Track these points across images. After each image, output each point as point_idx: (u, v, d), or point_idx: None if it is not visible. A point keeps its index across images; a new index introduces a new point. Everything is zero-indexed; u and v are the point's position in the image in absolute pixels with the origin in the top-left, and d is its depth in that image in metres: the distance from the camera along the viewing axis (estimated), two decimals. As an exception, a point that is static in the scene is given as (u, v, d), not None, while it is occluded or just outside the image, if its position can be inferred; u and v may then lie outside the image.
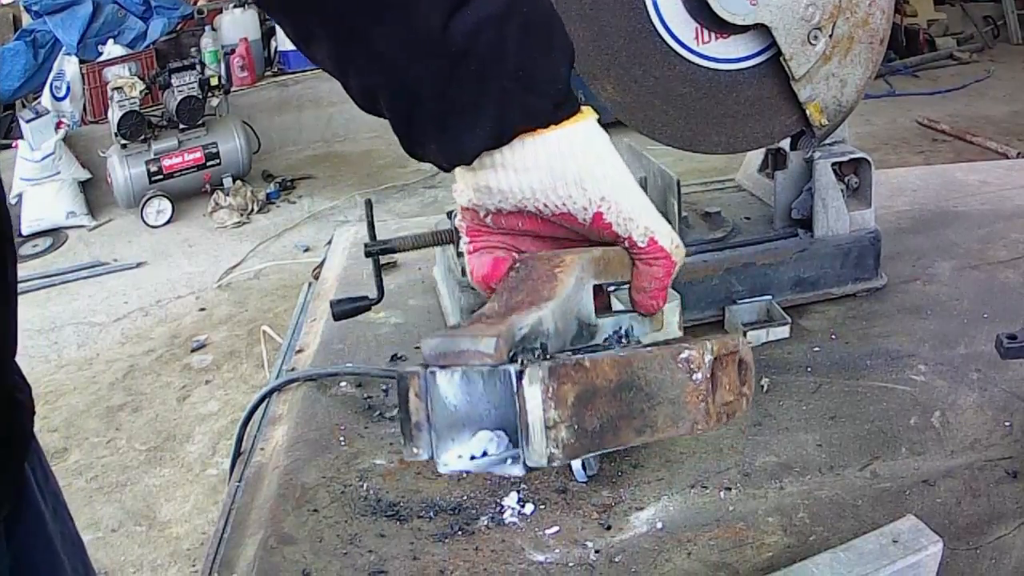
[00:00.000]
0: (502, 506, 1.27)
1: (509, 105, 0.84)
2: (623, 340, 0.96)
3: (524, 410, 0.75)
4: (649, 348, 0.86)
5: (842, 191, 1.69)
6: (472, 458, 0.78)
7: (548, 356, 0.80)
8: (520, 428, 0.75)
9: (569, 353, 0.84)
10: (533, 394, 0.74)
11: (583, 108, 0.91)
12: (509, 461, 0.77)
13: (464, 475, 1.34)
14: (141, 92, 6.35)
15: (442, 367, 0.78)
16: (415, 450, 0.81)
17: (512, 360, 0.76)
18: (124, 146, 6.25)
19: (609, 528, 1.22)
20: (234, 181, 6.57)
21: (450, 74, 0.82)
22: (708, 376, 0.84)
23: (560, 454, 0.75)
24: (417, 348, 1.68)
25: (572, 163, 0.88)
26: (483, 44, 0.81)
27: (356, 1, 0.80)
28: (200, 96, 6.41)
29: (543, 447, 0.75)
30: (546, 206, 0.89)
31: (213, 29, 7.52)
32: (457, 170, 0.91)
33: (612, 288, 0.96)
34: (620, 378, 0.80)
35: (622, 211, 0.90)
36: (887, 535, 1.07)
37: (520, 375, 0.75)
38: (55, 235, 6.42)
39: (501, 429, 0.78)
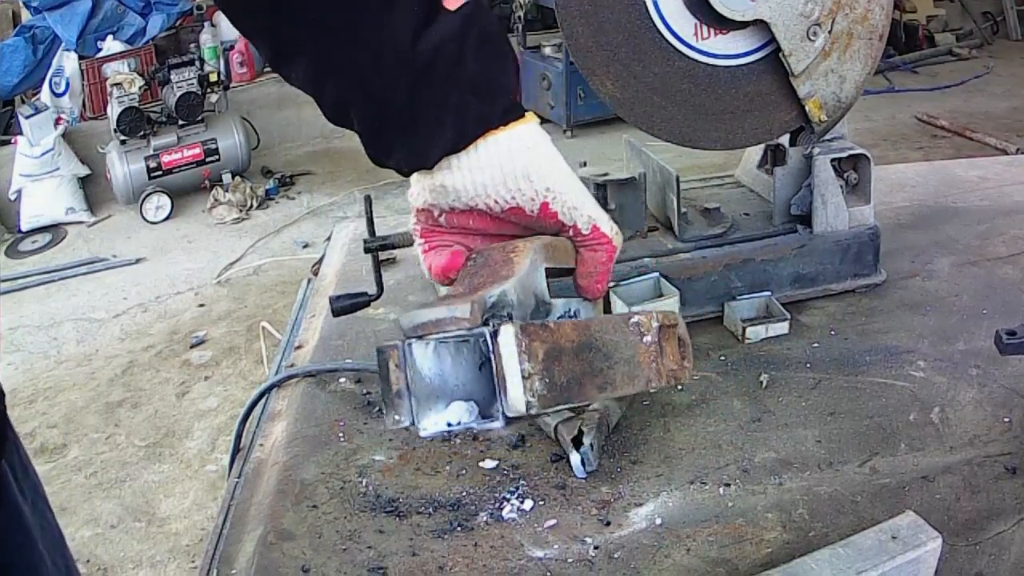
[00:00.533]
0: (501, 502, 1.27)
1: (467, 113, 0.93)
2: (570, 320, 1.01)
3: (500, 365, 0.82)
4: (603, 316, 0.96)
5: (841, 187, 1.69)
6: (449, 424, 0.86)
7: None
8: (497, 382, 0.83)
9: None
10: (509, 349, 0.82)
11: (526, 113, 0.99)
12: (483, 420, 0.85)
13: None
14: (140, 88, 6.34)
15: (419, 338, 0.86)
16: (396, 417, 0.86)
17: (485, 324, 0.85)
18: (123, 142, 6.24)
19: (608, 524, 1.22)
20: (233, 177, 6.57)
21: (417, 85, 0.91)
22: (656, 340, 0.94)
23: (536, 403, 0.83)
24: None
25: (519, 158, 0.96)
26: (445, 58, 0.90)
27: (334, 22, 0.89)
28: (199, 92, 6.40)
29: (521, 395, 0.82)
30: (496, 202, 0.97)
31: (212, 25, 7.50)
32: (414, 174, 1.00)
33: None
34: (580, 339, 0.89)
35: (567, 200, 0.98)
36: (886, 531, 1.07)
37: (495, 334, 0.83)
38: (54, 231, 6.41)
39: (472, 401, 0.86)
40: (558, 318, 1.01)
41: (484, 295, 0.88)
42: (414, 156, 0.96)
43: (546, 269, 0.99)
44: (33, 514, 1.03)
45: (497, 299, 0.89)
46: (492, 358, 0.83)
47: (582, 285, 1.05)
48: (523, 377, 0.82)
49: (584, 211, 1.00)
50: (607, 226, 1.01)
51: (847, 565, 1.02)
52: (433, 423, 0.86)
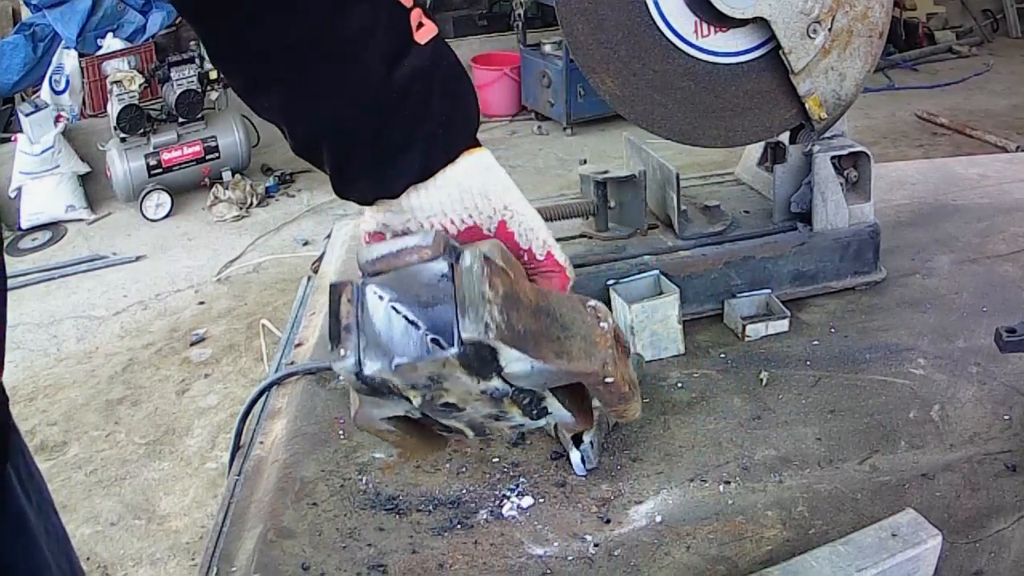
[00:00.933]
0: (501, 500, 1.28)
1: (434, 146, 0.94)
2: None
3: (460, 287, 0.79)
4: (560, 293, 0.92)
5: (841, 185, 1.69)
6: (396, 366, 0.80)
7: None
8: (456, 305, 0.78)
9: None
10: (470, 270, 0.79)
11: (481, 145, 1.00)
12: (436, 349, 0.78)
13: (463, 470, 1.34)
14: (140, 86, 6.32)
15: (377, 274, 0.83)
16: (342, 352, 0.81)
17: (448, 251, 0.81)
18: (123, 140, 6.23)
19: (608, 522, 1.22)
20: (233, 175, 6.56)
21: (387, 119, 0.91)
22: (613, 333, 0.90)
23: (495, 330, 0.78)
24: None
25: (477, 177, 0.97)
26: (415, 93, 0.91)
27: (310, 54, 0.89)
28: (199, 90, 6.39)
29: (479, 316, 0.77)
30: (452, 221, 0.96)
31: (212, 23, 7.50)
32: None
33: None
34: (538, 302, 0.86)
35: (524, 221, 0.97)
36: (886, 529, 1.07)
37: (458, 257, 0.80)
38: (54, 229, 6.40)
39: (424, 330, 0.80)
40: None
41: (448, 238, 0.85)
42: (380, 186, 0.96)
43: None
44: (38, 518, 1.03)
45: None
46: (452, 282, 0.80)
47: None
48: (484, 299, 0.78)
49: (540, 235, 0.99)
50: (561, 256, 1.00)
51: (847, 563, 1.03)
52: (378, 365, 0.81)
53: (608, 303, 1.51)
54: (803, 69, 1.53)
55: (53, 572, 1.03)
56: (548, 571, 1.14)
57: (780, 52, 1.51)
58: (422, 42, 0.91)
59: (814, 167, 1.66)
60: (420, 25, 0.92)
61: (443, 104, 0.94)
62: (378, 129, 0.92)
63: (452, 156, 0.96)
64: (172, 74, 6.29)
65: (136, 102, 6.20)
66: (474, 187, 0.97)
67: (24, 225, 6.34)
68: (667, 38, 1.51)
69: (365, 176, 0.96)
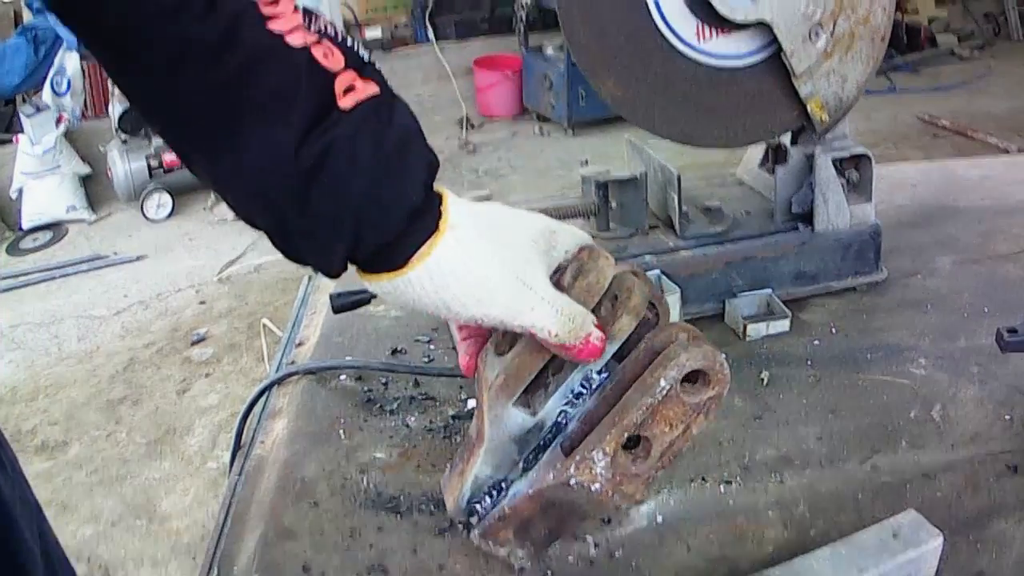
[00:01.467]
0: (502, 499, 1.27)
1: (363, 222, 0.87)
2: (576, 400, 1.03)
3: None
4: (551, 475, 0.98)
5: (843, 186, 1.69)
6: None
7: (495, 492, 1.05)
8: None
9: (519, 469, 1.03)
10: (482, 548, 1.07)
11: (443, 210, 0.93)
12: None
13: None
14: (142, 86, 6.33)
15: None
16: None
17: (470, 515, 1.07)
18: (125, 141, 6.25)
19: (609, 522, 1.22)
20: (235, 175, 6.57)
21: (307, 194, 0.84)
22: (611, 474, 0.96)
23: (527, 561, 1.07)
24: (417, 341, 1.69)
25: (433, 295, 0.93)
26: (333, 164, 0.83)
27: (219, 126, 0.82)
28: (201, 90, 6.40)
29: (515, 567, 1.07)
30: (444, 318, 0.97)
31: (213, 23, 7.50)
32: None
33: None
34: (539, 506, 1.01)
35: (494, 319, 0.94)
36: (887, 529, 1.07)
37: (468, 532, 1.08)
38: (55, 229, 6.41)
39: None
40: (558, 413, 1.03)
41: (465, 485, 1.05)
42: (321, 264, 0.91)
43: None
44: (10, 486, 1.03)
45: (473, 490, 1.05)
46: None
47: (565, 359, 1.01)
48: (505, 558, 1.06)
49: (516, 322, 0.95)
50: (543, 331, 0.95)
51: (848, 564, 1.02)
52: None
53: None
54: (805, 72, 1.53)
55: (28, 543, 1.03)
56: (549, 571, 1.14)
57: (782, 55, 1.51)
58: (348, 107, 0.84)
59: (816, 168, 1.66)
60: (350, 89, 0.84)
61: (373, 175, 0.86)
62: (301, 205, 0.85)
63: (388, 235, 0.89)
64: (174, 75, 6.29)
65: (138, 103, 6.21)
66: (437, 304, 0.93)
67: (25, 225, 6.35)
68: (668, 41, 1.51)
69: (304, 253, 0.91)
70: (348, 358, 1.64)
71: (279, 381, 1.60)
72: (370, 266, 0.92)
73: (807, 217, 1.70)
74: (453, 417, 1.46)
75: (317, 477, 1.34)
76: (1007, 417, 1.37)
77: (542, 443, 1.02)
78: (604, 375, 1.03)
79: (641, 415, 0.95)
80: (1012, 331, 1.29)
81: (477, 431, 1.03)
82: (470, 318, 0.94)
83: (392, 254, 0.91)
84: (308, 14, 0.85)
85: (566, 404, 1.03)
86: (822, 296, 1.72)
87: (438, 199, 0.93)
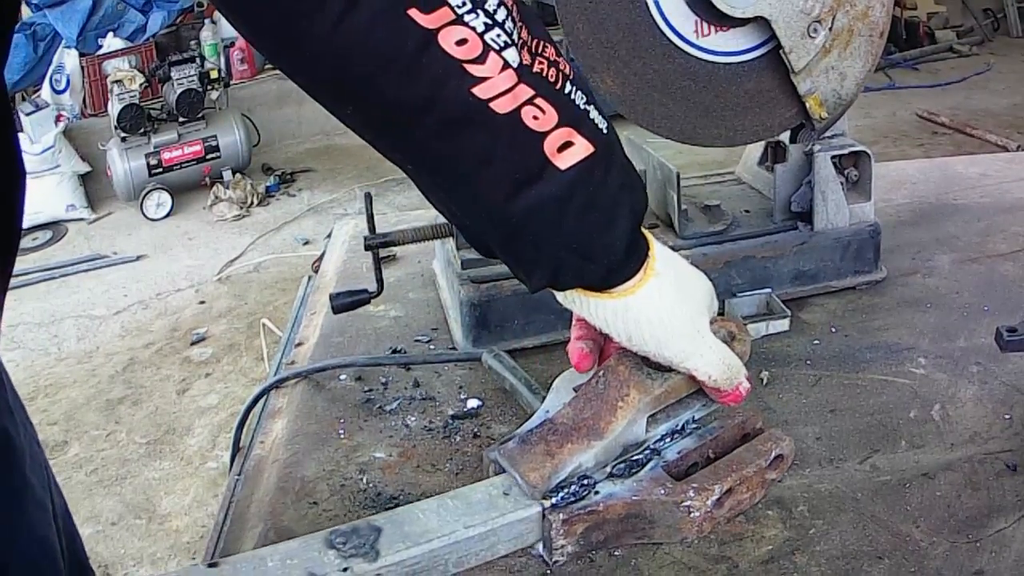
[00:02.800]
0: (502, 499, 1.27)
1: (563, 269, 0.98)
2: (675, 435, 1.17)
3: (545, 532, 1.07)
4: (661, 491, 1.09)
5: (842, 184, 1.68)
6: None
7: (583, 485, 1.08)
8: (543, 538, 1.08)
9: (606, 472, 1.10)
10: (549, 531, 1.06)
11: (648, 258, 1.04)
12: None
13: (463, 470, 1.34)
14: (141, 85, 6.33)
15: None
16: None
17: (546, 496, 1.06)
18: (124, 139, 6.24)
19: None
20: (234, 174, 6.56)
21: (511, 239, 0.95)
22: (710, 508, 1.09)
23: (563, 558, 1.08)
24: (417, 341, 1.68)
25: (621, 324, 1.04)
26: (541, 220, 0.92)
27: (435, 176, 0.92)
28: (200, 89, 6.39)
29: (551, 557, 1.08)
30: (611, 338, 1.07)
31: (213, 22, 7.49)
32: None
33: None
34: (628, 512, 1.08)
35: (669, 357, 1.07)
36: (499, 486, 1.08)
37: (543, 515, 1.05)
38: (55, 228, 6.41)
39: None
40: (659, 439, 1.15)
41: (558, 467, 1.06)
42: (522, 281, 1.02)
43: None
44: (26, 440, 1.04)
45: (569, 473, 1.07)
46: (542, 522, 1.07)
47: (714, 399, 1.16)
48: (554, 547, 1.07)
49: (683, 365, 1.07)
50: (704, 375, 1.08)
51: (455, 517, 1.02)
52: None
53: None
54: (804, 68, 1.52)
55: (37, 493, 1.04)
56: (548, 571, 1.14)
57: (780, 51, 1.51)
58: (562, 167, 0.89)
59: (815, 166, 1.65)
60: (566, 145, 0.90)
61: (577, 234, 0.94)
62: (503, 244, 0.97)
63: (588, 280, 1.00)
64: (173, 73, 6.29)
65: (137, 101, 6.21)
66: (620, 331, 1.04)
67: (24, 224, 6.32)
68: (667, 38, 1.51)
69: (513, 273, 1.02)
70: (348, 358, 1.64)
71: (277, 384, 1.60)
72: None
73: (806, 216, 1.69)
74: (452, 417, 1.46)
75: (317, 477, 1.34)
76: (1006, 416, 1.37)
77: (636, 459, 1.12)
78: (699, 426, 1.19)
79: (751, 472, 1.12)
80: (1012, 330, 1.29)
81: (592, 420, 1.10)
82: (643, 351, 1.06)
83: (595, 287, 1.02)
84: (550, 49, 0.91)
85: (667, 436, 1.16)
86: (821, 295, 1.72)
87: (645, 245, 1.03)
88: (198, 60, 6.47)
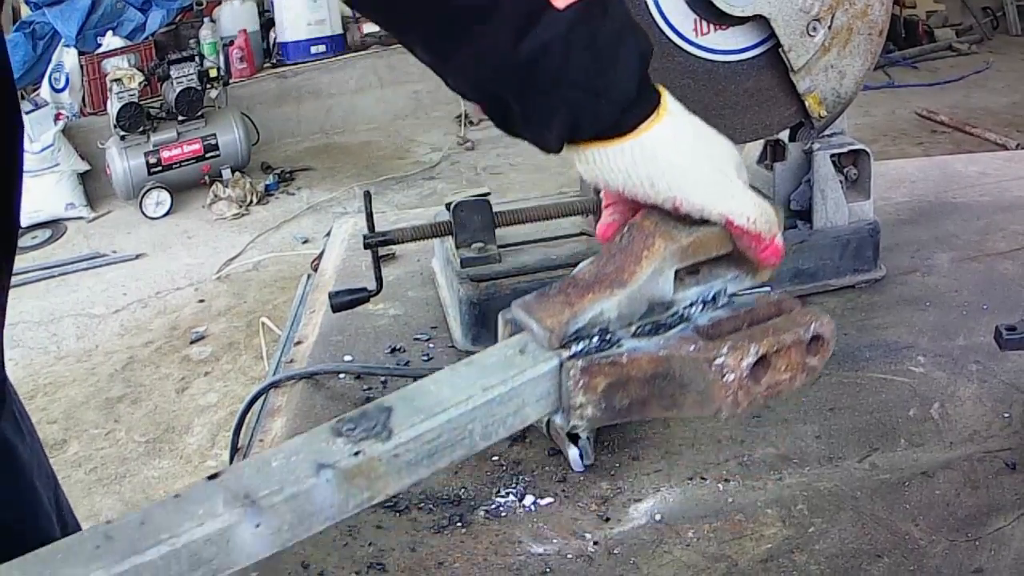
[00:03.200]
0: (500, 497, 1.27)
1: (580, 111, 0.95)
2: (706, 305, 1.05)
3: (563, 389, 0.93)
4: (692, 347, 0.97)
5: (841, 182, 1.68)
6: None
7: (603, 339, 0.96)
8: (561, 399, 0.94)
9: (630, 331, 0.98)
10: (567, 384, 0.92)
11: (661, 100, 1.01)
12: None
13: (462, 468, 1.34)
14: (140, 84, 6.33)
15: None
16: None
17: (564, 346, 0.93)
18: (123, 138, 6.24)
19: (608, 520, 1.22)
20: (233, 173, 6.56)
21: (524, 86, 0.93)
22: (742, 376, 0.97)
23: (584, 424, 0.94)
24: (416, 339, 1.68)
25: (642, 168, 0.98)
26: (549, 61, 0.91)
27: (440, 28, 0.92)
28: (199, 88, 6.39)
29: (568, 420, 0.93)
30: (632, 196, 1.01)
31: (212, 21, 7.50)
32: None
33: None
34: (656, 370, 0.96)
35: (694, 203, 0.98)
36: (513, 346, 1.00)
37: (560, 367, 0.92)
38: (54, 227, 6.41)
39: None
40: (685, 307, 1.04)
41: (577, 315, 0.95)
42: (536, 143, 0.99)
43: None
44: (30, 455, 1.04)
45: (588, 322, 0.96)
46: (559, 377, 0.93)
47: (743, 265, 1.06)
48: (573, 407, 0.92)
49: (715, 208, 0.99)
50: (743, 218, 1.00)
51: (470, 382, 0.95)
52: None
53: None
54: (803, 67, 1.52)
55: (44, 506, 1.04)
56: (547, 569, 1.14)
57: (780, 50, 1.51)
58: (560, 6, 0.90)
59: (814, 165, 1.65)
60: None
61: (584, 71, 0.93)
62: (517, 96, 0.95)
63: (603, 123, 0.97)
64: (172, 72, 6.29)
65: (136, 100, 6.21)
66: (641, 176, 0.99)
67: (24, 223, 6.33)
68: (666, 36, 1.51)
69: (522, 133, 0.99)
70: (347, 358, 1.64)
71: (275, 385, 1.60)
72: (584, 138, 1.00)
73: (805, 214, 1.69)
74: (451, 415, 1.45)
75: (315, 476, 1.34)
76: (1006, 415, 1.37)
77: (662, 322, 1.03)
78: (732, 301, 1.08)
79: (789, 340, 1.00)
80: (1011, 329, 1.29)
81: (615, 272, 1.02)
82: (668, 199, 0.99)
83: (608, 129, 0.98)
84: None
85: (697, 304, 1.05)
86: (821, 294, 1.72)
87: (655, 90, 1.01)
88: (197, 59, 6.47)
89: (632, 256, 1.02)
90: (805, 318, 1.03)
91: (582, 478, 1.30)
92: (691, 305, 1.06)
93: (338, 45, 7.77)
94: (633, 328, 1.01)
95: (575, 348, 0.95)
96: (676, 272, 1.03)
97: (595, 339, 0.97)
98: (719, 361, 0.95)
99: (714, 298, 1.08)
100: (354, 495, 0.85)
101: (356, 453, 0.85)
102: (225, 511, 0.78)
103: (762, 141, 1.81)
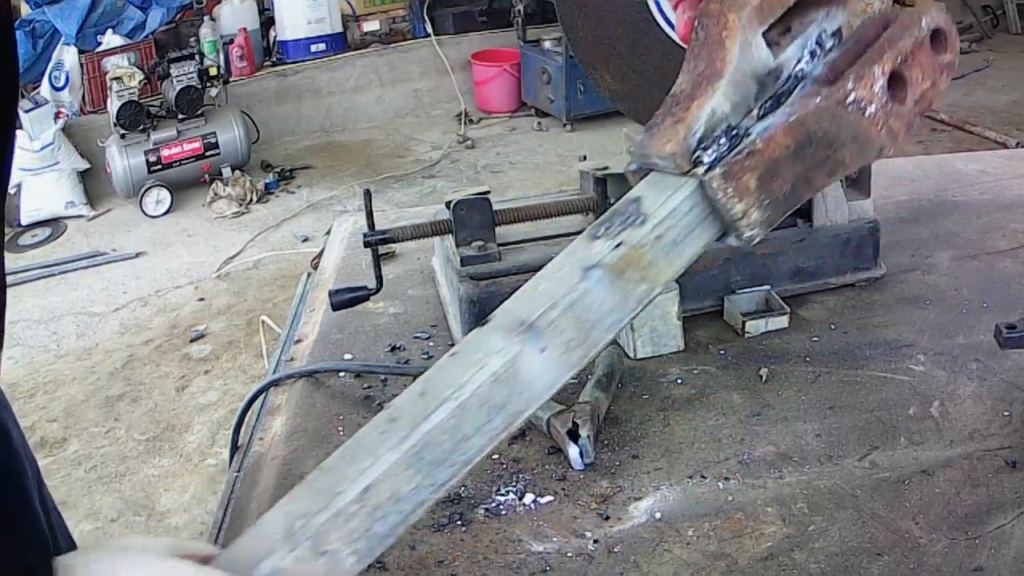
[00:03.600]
0: (501, 496, 1.27)
1: None
2: (815, 56, 0.98)
3: (718, 206, 0.85)
4: (818, 99, 0.89)
5: (841, 181, 1.68)
6: None
7: (730, 137, 0.88)
8: (722, 216, 0.86)
9: (754, 117, 0.90)
10: (717, 198, 0.84)
11: None
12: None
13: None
14: (140, 82, 6.32)
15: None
16: None
17: (696, 164, 0.85)
18: (123, 136, 6.23)
19: (608, 518, 1.22)
20: (233, 171, 6.55)
21: None
22: (883, 103, 0.90)
23: (759, 231, 0.86)
24: (416, 338, 1.68)
25: None
26: None
27: None
28: (199, 86, 6.39)
29: (741, 235, 0.85)
30: None
31: (212, 19, 7.48)
32: None
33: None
34: (797, 139, 0.88)
35: None
36: (642, 189, 0.93)
37: (701, 186, 0.84)
38: (54, 225, 6.40)
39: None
40: (796, 63, 0.96)
41: (691, 127, 0.87)
42: None
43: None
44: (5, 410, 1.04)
45: (706, 127, 0.88)
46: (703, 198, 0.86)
47: None
48: (736, 219, 0.85)
49: None
50: None
51: (664, 192, 0.90)
52: None
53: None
54: (803, 65, 1.52)
55: (32, 499, 1.03)
56: (547, 567, 1.14)
57: (780, 48, 1.51)
58: None
59: (814, 163, 1.65)
60: None
61: None
62: None
63: None
64: (172, 70, 6.29)
65: (136, 98, 6.20)
66: None
67: (24, 221, 6.33)
68: (667, 34, 1.51)
69: None
70: (347, 356, 1.64)
71: (275, 383, 1.60)
72: None
73: (805, 213, 1.69)
74: (451, 414, 1.45)
75: (315, 474, 1.34)
76: (1006, 413, 1.37)
77: (780, 91, 0.95)
78: (839, 38, 1.00)
79: (908, 45, 0.93)
80: (1011, 327, 1.29)
81: (706, 67, 0.93)
82: None
83: None
84: None
85: (804, 57, 0.98)
86: (821, 292, 1.72)
87: None
88: (197, 57, 6.46)
89: (714, 43, 0.94)
90: (913, 18, 0.96)
91: (582, 476, 1.30)
92: (798, 62, 0.98)
93: (338, 43, 7.76)
94: (755, 112, 0.93)
95: (707, 159, 0.87)
96: (767, 37, 0.95)
97: (722, 140, 0.89)
98: (851, 98, 0.90)
99: (819, 44, 1.00)
100: (630, 290, 0.82)
101: (617, 245, 0.82)
102: (504, 345, 0.75)
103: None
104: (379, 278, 1.61)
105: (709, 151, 0.87)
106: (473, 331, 0.79)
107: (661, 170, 0.88)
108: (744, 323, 1.61)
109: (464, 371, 0.75)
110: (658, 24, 1.50)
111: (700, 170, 0.85)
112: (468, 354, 0.77)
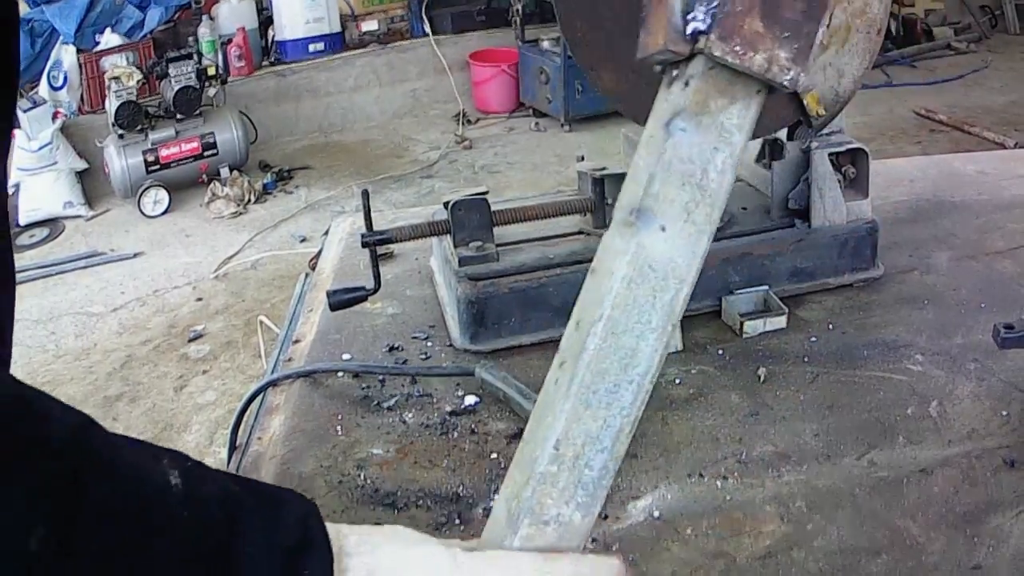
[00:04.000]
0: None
1: None
2: None
3: (737, 69, 0.76)
4: None
5: (839, 181, 1.69)
6: None
7: None
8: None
9: None
10: (730, 63, 0.76)
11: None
12: None
13: (461, 466, 1.34)
14: (138, 82, 6.32)
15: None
16: None
17: (693, 39, 0.78)
18: (121, 136, 6.23)
19: (606, 517, 1.22)
20: (231, 171, 6.55)
21: None
22: None
23: (795, 71, 0.76)
24: (415, 338, 1.68)
25: None
26: None
27: None
28: (197, 86, 6.39)
29: (781, 84, 0.75)
30: None
31: (211, 18, 7.48)
32: None
33: None
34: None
35: None
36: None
37: (707, 62, 0.77)
38: (52, 225, 6.40)
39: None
40: None
41: (672, 6, 0.80)
42: None
43: None
44: None
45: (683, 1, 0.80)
46: None
47: None
48: (764, 71, 0.76)
49: None
50: None
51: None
52: None
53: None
54: (801, 65, 1.52)
55: None
56: (546, 567, 1.14)
57: (778, 48, 1.51)
58: None
59: (812, 164, 1.66)
60: None
61: None
62: None
63: None
64: (170, 70, 6.29)
65: (134, 98, 6.20)
66: None
67: (22, 222, 6.33)
68: (665, 34, 1.50)
69: None
70: (345, 356, 1.64)
71: (273, 383, 1.60)
72: None
73: (803, 213, 1.70)
74: (450, 414, 1.46)
75: (314, 473, 1.34)
76: (1004, 413, 1.37)
77: None
78: None
79: None
80: (1009, 327, 1.29)
81: None
82: None
83: None
84: None
85: None
86: (819, 292, 1.72)
87: None
88: (195, 57, 6.46)
89: None
90: None
91: (581, 476, 1.30)
92: None
93: (336, 43, 7.76)
94: None
95: (702, 25, 0.78)
96: None
97: (703, 5, 0.79)
98: None
99: None
100: (720, 121, 0.76)
101: (686, 84, 0.77)
102: (623, 242, 0.72)
103: (760, 140, 1.81)
104: (377, 278, 1.61)
105: (697, 16, 0.79)
106: (604, 236, 0.74)
107: (669, 62, 0.82)
108: (742, 323, 1.61)
109: (599, 285, 0.72)
110: (656, 24, 1.50)
111: (702, 42, 0.77)
112: (600, 266, 0.73)
